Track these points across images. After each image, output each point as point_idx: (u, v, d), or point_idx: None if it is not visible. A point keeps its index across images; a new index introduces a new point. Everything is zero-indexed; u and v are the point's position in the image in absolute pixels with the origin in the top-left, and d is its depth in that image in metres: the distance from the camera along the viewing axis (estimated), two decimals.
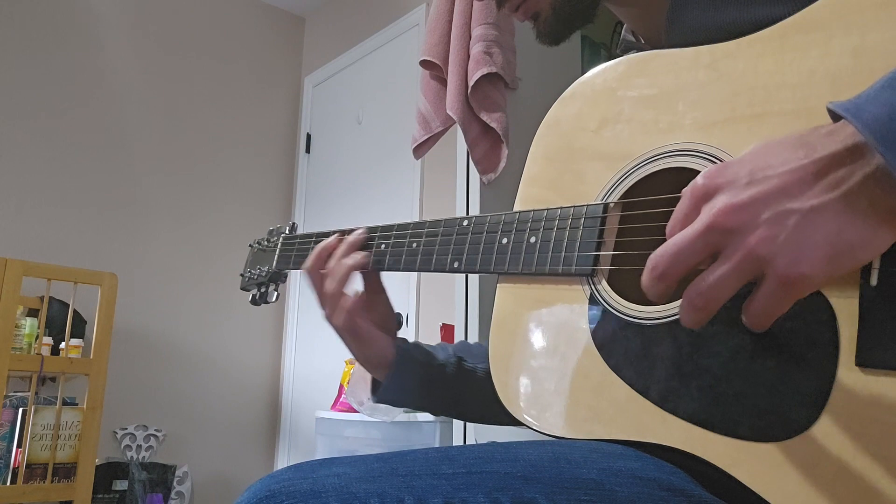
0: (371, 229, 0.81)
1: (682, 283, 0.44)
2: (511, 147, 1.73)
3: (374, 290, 0.80)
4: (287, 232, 0.96)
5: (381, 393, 0.79)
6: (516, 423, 0.62)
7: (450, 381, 0.79)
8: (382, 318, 0.80)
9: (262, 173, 3.57)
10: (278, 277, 0.96)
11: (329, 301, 0.77)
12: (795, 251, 0.39)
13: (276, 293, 0.97)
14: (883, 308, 0.42)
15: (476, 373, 0.79)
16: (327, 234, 0.85)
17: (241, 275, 1.01)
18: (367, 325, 0.77)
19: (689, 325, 0.44)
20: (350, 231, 0.82)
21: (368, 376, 0.83)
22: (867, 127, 0.38)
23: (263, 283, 0.97)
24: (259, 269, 0.97)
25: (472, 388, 0.78)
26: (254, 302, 0.97)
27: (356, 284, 0.79)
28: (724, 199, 0.41)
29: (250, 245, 1.02)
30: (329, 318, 0.78)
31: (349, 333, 0.77)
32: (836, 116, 0.41)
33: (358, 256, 0.78)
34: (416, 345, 0.81)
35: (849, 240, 0.39)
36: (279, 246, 0.94)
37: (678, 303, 0.53)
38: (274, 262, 0.94)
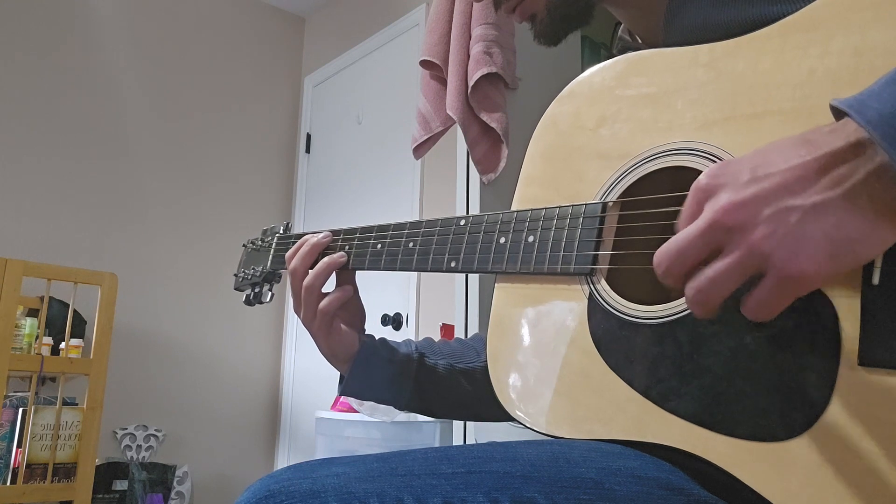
0: (366, 229, 0.81)
1: None
2: (511, 147, 1.73)
3: (349, 287, 0.83)
4: (281, 231, 0.96)
5: (344, 385, 0.83)
6: (481, 419, 0.63)
7: (411, 375, 0.82)
8: (352, 315, 0.83)
9: (262, 173, 3.57)
10: (273, 277, 0.95)
11: (311, 298, 0.80)
12: (797, 248, 0.39)
13: (270, 293, 0.96)
14: (885, 307, 0.42)
15: (437, 369, 0.82)
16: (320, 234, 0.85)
17: (235, 275, 1.01)
18: (337, 322, 0.81)
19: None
20: (339, 231, 0.84)
21: None
22: (870, 123, 0.38)
23: (258, 283, 0.97)
24: (253, 269, 0.97)
25: (432, 384, 0.82)
26: (248, 302, 0.97)
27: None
28: (727, 197, 0.41)
29: (244, 245, 1.02)
30: (307, 313, 0.80)
31: (325, 328, 0.80)
32: (838, 113, 0.41)
33: (337, 255, 0.81)
34: (382, 340, 0.85)
35: (850, 236, 0.39)
36: (273, 246, 0.94)
37: (678, 302, 0.53)
38: (268, 262, 0.94)
